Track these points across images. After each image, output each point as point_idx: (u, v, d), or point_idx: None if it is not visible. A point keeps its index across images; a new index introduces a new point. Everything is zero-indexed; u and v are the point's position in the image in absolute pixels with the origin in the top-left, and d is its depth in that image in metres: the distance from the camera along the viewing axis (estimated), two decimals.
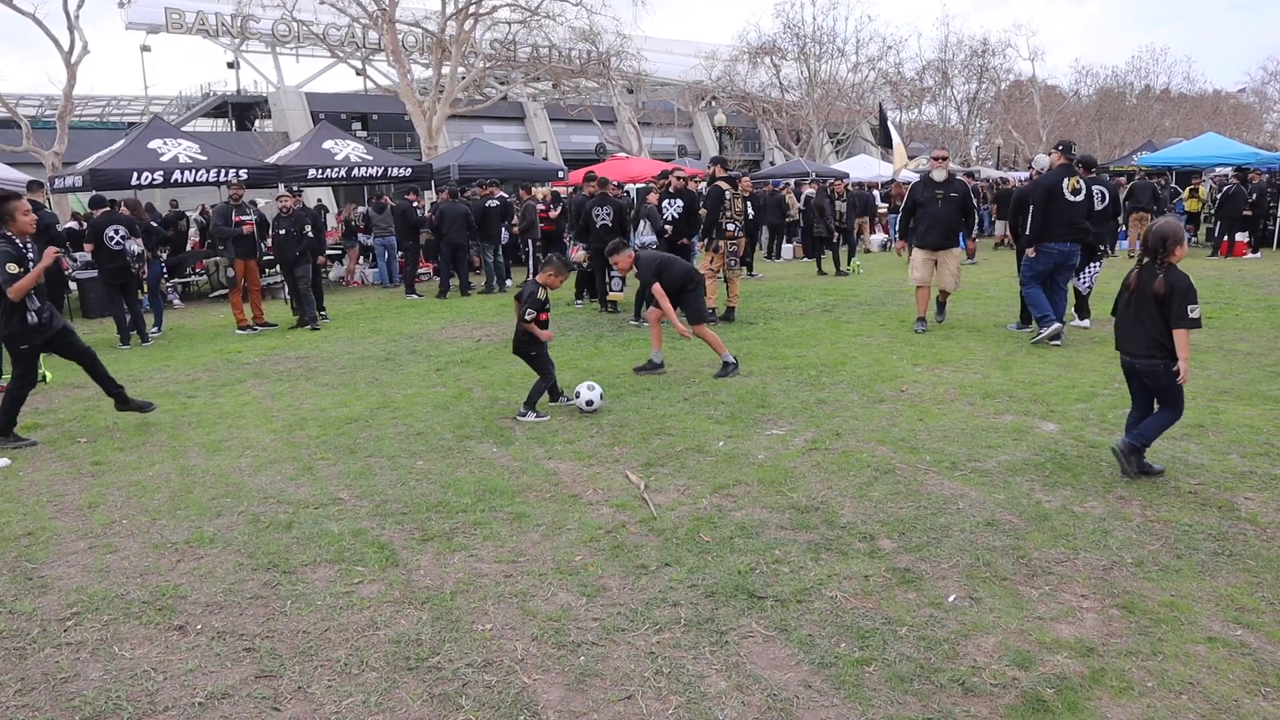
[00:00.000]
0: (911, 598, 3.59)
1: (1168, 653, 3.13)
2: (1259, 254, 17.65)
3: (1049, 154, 9.35)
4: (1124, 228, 19.96)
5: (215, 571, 4.03)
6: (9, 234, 6.09)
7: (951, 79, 49.21)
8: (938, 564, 3.87)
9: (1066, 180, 8.41)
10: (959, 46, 48.72)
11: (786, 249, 19.73)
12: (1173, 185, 23.30)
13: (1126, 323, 4.86)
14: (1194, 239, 20.14)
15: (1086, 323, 9.57)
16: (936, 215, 9.31)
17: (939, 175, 9.42)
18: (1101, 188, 9.53)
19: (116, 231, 10.57)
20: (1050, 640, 3.23)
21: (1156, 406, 4.91)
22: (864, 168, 29.77)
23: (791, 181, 24.04)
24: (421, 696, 3.00)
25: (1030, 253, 8.58)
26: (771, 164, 46.03)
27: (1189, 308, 4.59)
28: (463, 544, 4.23)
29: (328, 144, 17.04)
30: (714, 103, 46.10)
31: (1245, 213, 17.86)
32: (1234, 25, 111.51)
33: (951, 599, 3.57)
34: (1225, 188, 18.41)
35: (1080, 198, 8.44)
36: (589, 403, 6.45)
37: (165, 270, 13.28)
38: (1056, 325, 8.37)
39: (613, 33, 34.60)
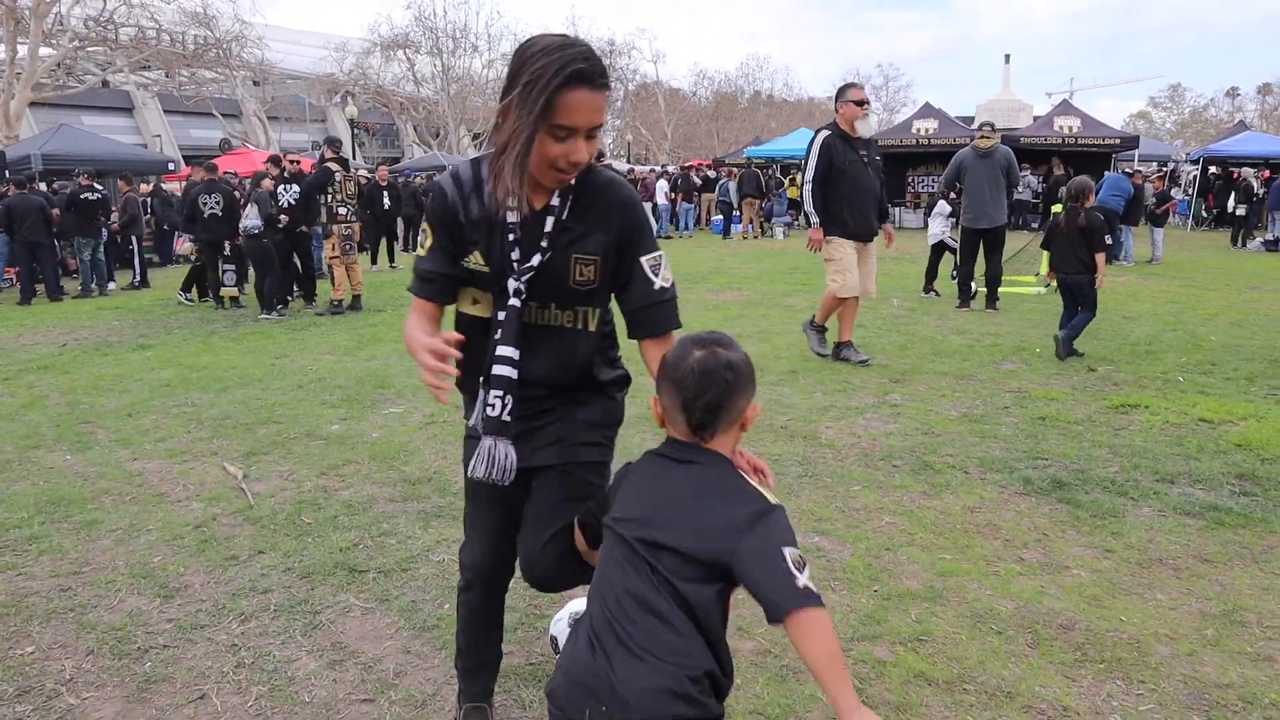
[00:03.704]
0: None
1: None
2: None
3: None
4: (738, 212, 21.97)
5: None
6: None
7: None
8: None
9: None
10: None
11: None
12: (777, 175, 26.02)
13: (1061, 251, 6.96)
14: (797, 223, 22.52)
15: None
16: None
17: (866, 130, 6.92)
18: (615, 174, 12.04)
19: None
20: None
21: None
22: None
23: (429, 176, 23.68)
24: None
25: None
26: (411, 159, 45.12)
27: (1104, 238, 6.85)
28: (10, 564, 3.59)
29: None
30: (348, 97, 44.26)
31: None
32: (824, 41, 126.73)
33: None
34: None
35: None
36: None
37: None
38: None
39: (231, 17, 32.15)
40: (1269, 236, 18.66)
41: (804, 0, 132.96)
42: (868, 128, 6.71)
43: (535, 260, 1.93)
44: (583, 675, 1.54)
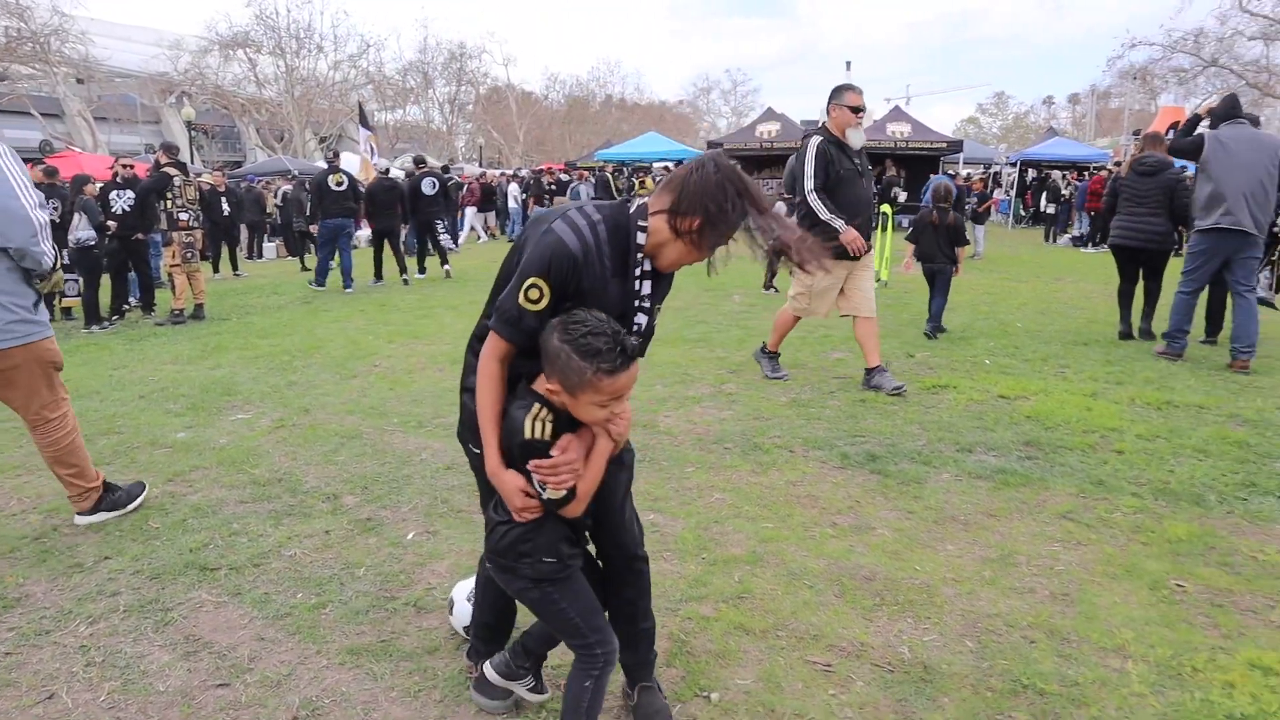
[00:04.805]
0: (372, 542, 3.70)
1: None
2: None
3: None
4: None
5: None
6: None
7: (433, 80, 50.57)
8: (398, 509, 4.04)
9: (330, 177, 12.13)
10: (438, 49, 50.31)
11: (269, 247, 18.85)
12: (629, 178, 26.48)
13: (929, 244, 8.13)
14: None
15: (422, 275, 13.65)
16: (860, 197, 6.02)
17: (856, 140, 5.98)
18: (433, 178, 13.70)
19: None
20: None
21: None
22: (349, 166, 29.42)
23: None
24: None
25: (314, 229, 12.45)
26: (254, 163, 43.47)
27: (965, 235, 8.27)
28: None
29: None
30: (184, 98, 42.23)
31: None
32: (673, 46, 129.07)
33: (410, 536, 3.75)
34: (656, 178, 21.48)
35: (343, 188, 12.13)
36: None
37: None
38: (321, 283, 12.21)
39: (48, 9, 30.22)
40: (1076, 233, 20.35)
41: (654, 6, 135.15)
42: (858, 138, 5.93)
43: (642, 321, 2.22)
44: None
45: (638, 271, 2.13)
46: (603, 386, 1.93)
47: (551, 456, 2.01)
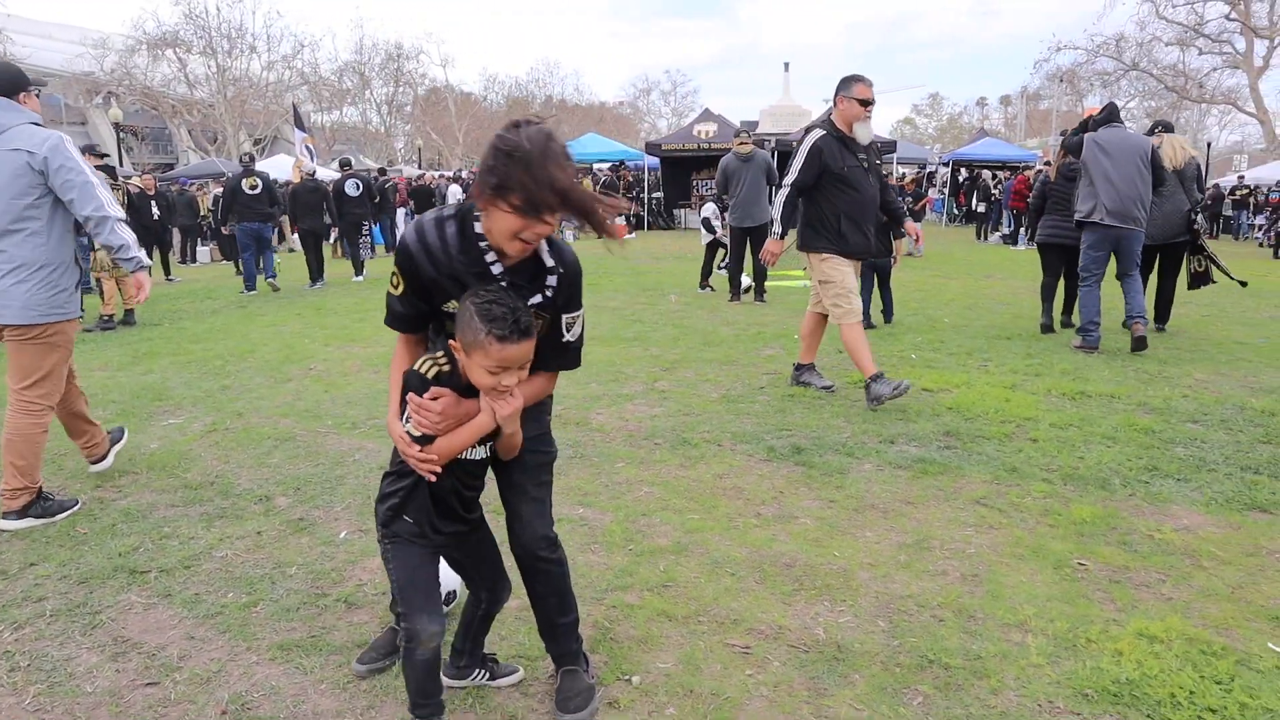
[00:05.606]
0: (304, 542, 3.74)
1: None
2: (634, 235, 20.98)
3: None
4: None
5: None
6: None
7: (370, 81, 50.03)
8: (331, 509, 4.07)
9: (244, 180, 12.17)
10: (375, 50, 49.80)
11: (203, 251, 18.54)
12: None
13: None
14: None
15: (360, 279, 13.87)
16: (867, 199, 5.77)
17: (864, 135, 5.71)
18: (356, 180, 13.81)
19: None
20: None
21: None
22: (283, 168, 29.00)
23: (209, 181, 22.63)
24: None
25: (225, 229, 12.84)
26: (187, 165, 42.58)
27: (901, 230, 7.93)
28: None
29: None
30: (112, 98, 41.19)
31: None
32: (613, 47, 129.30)
33: (343, 535, 3.79)
34: (597, 178, 21.62)
35: (257, 191, 12.14)
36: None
37: None
38: (250, 288, 12.18)
39: None
40: (1005, 231, 20.92)
41: (593, 7, 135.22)
42: (866, 133, 5.64)
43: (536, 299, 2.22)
44: None
45: (490, 258, 2.16)
46: (491, 351, 2.05)
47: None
